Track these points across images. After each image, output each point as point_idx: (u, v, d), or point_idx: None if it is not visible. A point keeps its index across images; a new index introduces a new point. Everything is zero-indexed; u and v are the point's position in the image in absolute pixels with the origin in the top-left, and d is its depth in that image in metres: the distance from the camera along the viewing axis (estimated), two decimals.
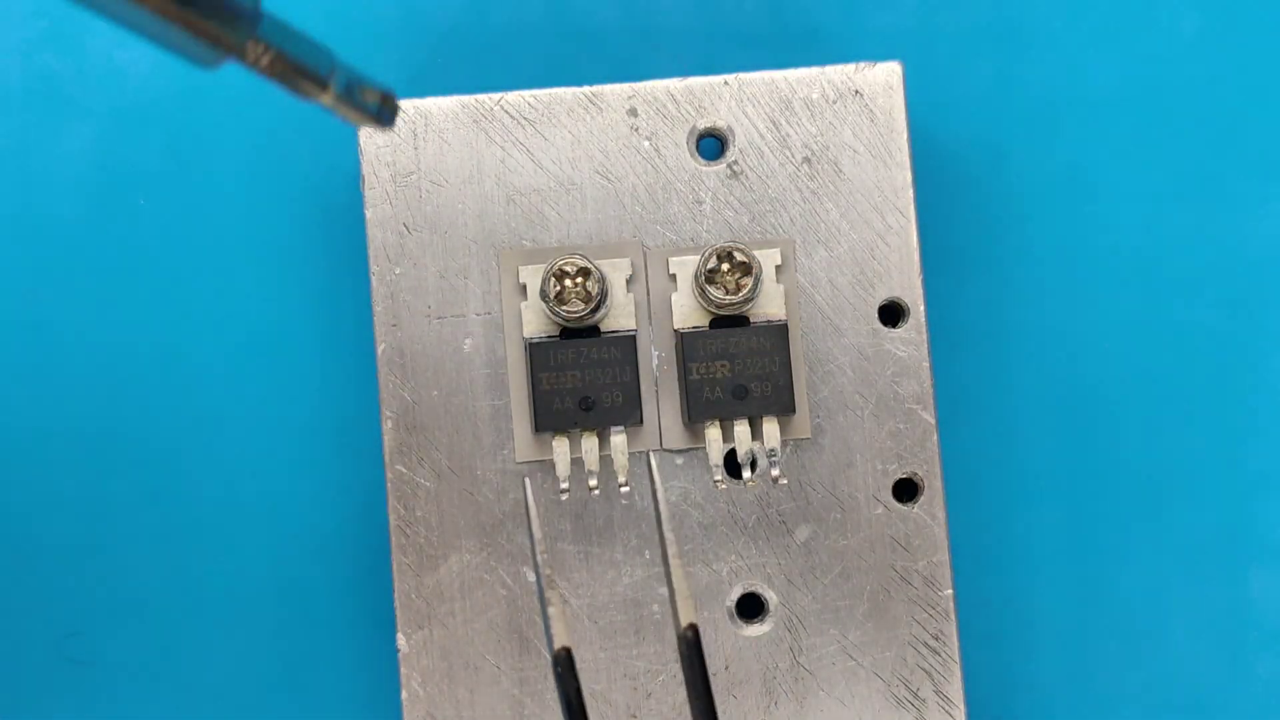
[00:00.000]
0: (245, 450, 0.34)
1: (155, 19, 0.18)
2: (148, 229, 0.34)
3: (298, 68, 0.21)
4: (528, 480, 0.28)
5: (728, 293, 0.29)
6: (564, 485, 0.29)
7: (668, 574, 0.25)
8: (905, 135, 0.31)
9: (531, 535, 0.26)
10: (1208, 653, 0.34)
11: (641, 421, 0.29)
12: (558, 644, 0.23)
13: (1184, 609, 0.34)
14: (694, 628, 0.24)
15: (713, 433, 0.29)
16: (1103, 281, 0.34)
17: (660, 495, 0.26)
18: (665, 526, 0.26)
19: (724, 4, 0.34)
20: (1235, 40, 0.35)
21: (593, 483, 0.29)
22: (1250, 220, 0.34)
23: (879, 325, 0.30)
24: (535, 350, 0.29)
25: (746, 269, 0.29)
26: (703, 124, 0.31)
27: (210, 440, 0.34)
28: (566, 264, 0.29)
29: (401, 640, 0.30)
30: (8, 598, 0.34)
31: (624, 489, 0.29)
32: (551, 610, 0.24)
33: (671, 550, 0.25)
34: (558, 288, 0.29)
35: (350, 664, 0.34)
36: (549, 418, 0.29)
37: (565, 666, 0.23)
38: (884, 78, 0.31)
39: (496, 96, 0.30)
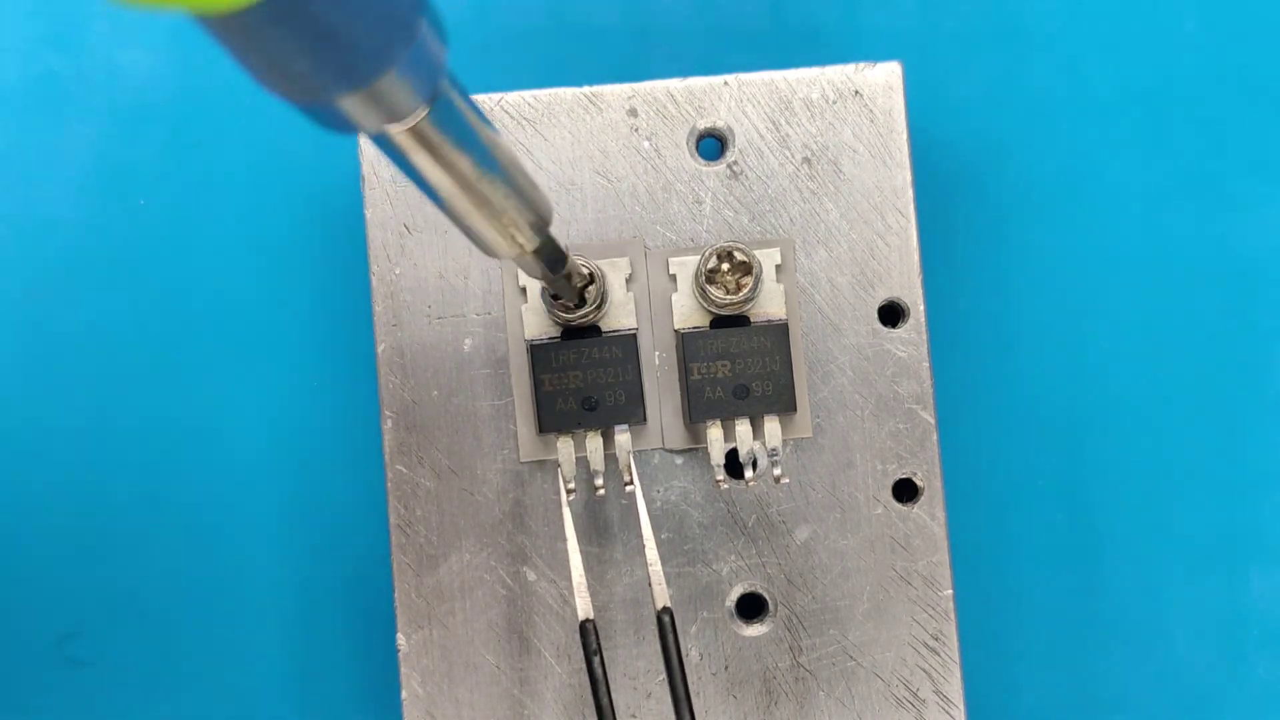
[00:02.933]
0: (245, 450, 0.34)
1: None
2: (148, 229, 0.34)
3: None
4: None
5: (728, 293, 0.29)
6: (570, 485, 0.29)
7: (646, 563, 0.28)
8: (905, 135, 0.30)
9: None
10: (1208, 653, 0.34)
11: (645, 419, 0.29)
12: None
13: (1184, 609, 0.34)
14: (669, 610, 0.28)
15: (714, 432, 0.29)
16: (1102, 281, 0.34)
17: (638, 486, 0.29)
18: (643, 518, 0.29)
19: (724, 4, 0.34)
20: (1235, 40, 0.35)
21: (599, 482, 0.29)
22: (1250, 220, 0.34)
23: (879, 325, 0.30)
24: (537, 352, 0.29)
25: (746, 269, 0.29)
26: (703, 124, 0.30)
27: (210, 440, 0.34)
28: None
29: (401, 640, 0.30)
30: (7, 597, 0.34)
31: (629, 488, 0.29)
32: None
33: (649, 542, 0.28)
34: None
35: (350, 664, 0.34)
36: (553, 418, 0.29)
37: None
38: (884, 78, 0.31)
39: (496, 96, 0.30)
